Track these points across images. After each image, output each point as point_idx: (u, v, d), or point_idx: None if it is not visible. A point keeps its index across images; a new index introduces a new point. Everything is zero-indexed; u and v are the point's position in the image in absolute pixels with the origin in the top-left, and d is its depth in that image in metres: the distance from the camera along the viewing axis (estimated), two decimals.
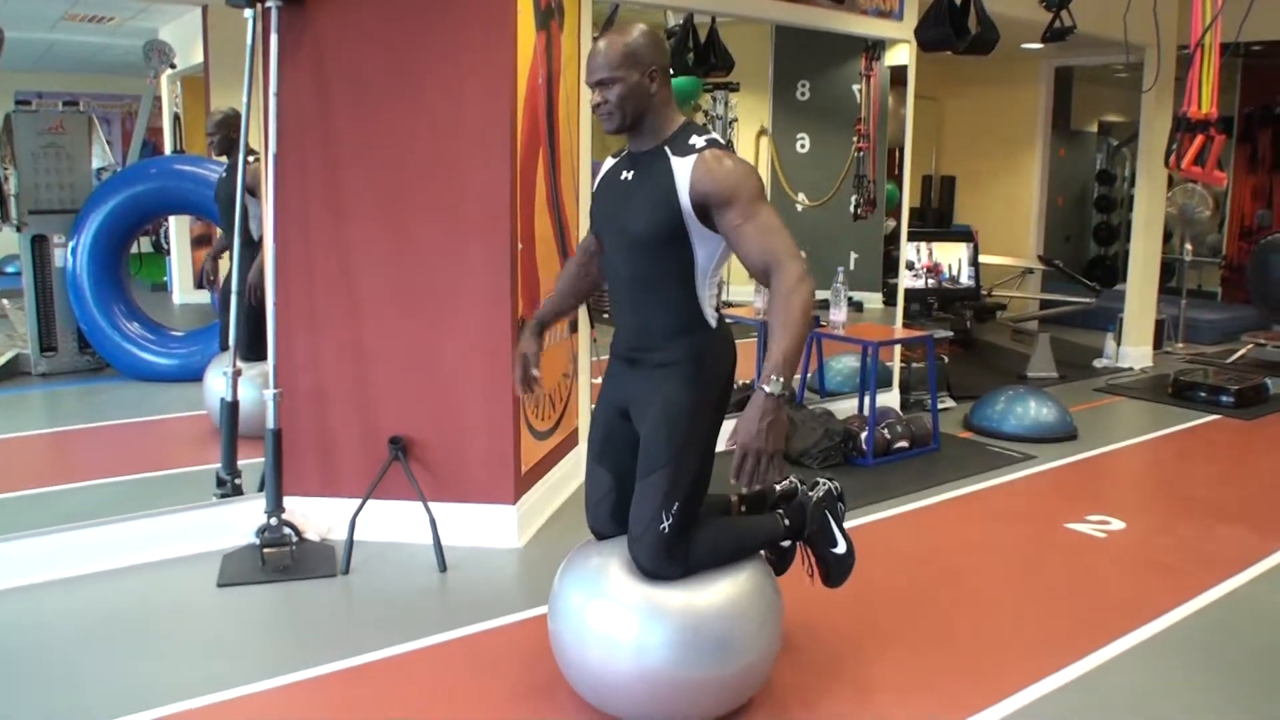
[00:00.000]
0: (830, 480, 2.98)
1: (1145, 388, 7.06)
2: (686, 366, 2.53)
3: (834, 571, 2.94)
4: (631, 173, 2.54)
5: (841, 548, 2.91)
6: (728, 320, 2.64)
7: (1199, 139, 4.69)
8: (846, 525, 2.99)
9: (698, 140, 2.44)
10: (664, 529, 2.49)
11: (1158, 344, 8.23)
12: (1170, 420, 6.20)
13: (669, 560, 2.52)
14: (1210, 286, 10.19)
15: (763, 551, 2.84)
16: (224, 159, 5.04)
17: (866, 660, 3.06)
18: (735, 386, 2.54)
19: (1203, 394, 6.58)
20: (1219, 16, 4.53)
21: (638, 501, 2.55)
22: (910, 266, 6.44)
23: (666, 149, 2.46)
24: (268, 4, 3.62)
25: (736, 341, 2.66)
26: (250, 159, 4.01)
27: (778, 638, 2.72)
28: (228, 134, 4.79)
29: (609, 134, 2.57)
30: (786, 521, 2.84)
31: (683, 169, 2.40)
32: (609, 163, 2.68)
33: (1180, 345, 8.54)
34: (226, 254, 4.71)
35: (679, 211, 2.41)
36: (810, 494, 2.91)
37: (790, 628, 2.89)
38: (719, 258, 2.51)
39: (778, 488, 2.94)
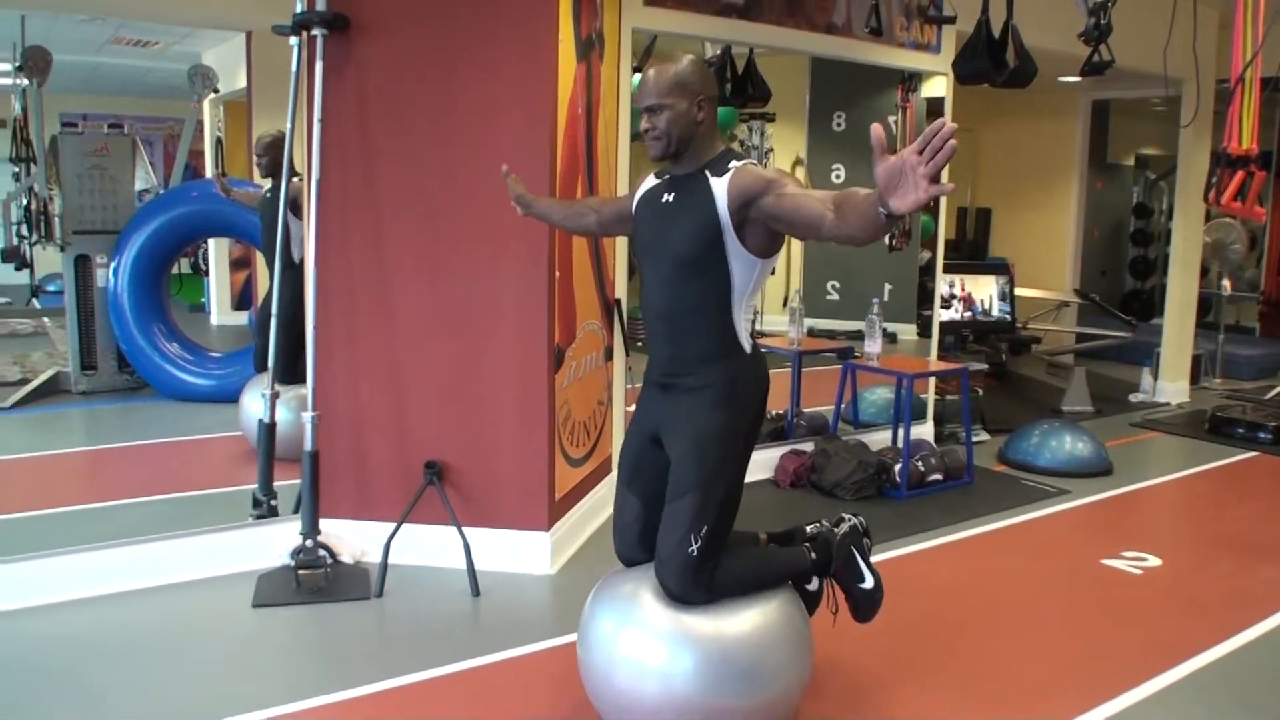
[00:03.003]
0: (855, 516, 2.97)
1: (1182, 423, 6.98)
2: (719, 391, 2.55)
3: (862, 606, 2.90)
4: (672, 194, 2.59)
5: (869, 583, 2.88)
6: (762, 350, 2.65)
7: (1239, 175, 4.66)
8: (880, 557, 2.97)
9: (735, 162, 2.50)
10: (692, 552, 2.50)
11: (1195, 379, 8.14)
12: (1207, 456, 6.12)
13: (695, 585, 2.53)
14: (1248, 322, 10.05)
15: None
16: (269, 181, 5.11)
17: (897, 695, 3.03)
18: (769, 416, 2.52)
19: (1240, 430, 6.51)
20: (1260, 51, 4.50)
21: (666, 525, 2.56)
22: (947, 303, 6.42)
23: (706, 171, 2.51)
24: (313, 32, 3.67)
25: (770, 371, 2.66)
26: (295, 179, 4.06)
27: (807, 670, 2.70)
28: (276, 156, 4.84)
29: (654, 160, 2.61)
30: (813, 555, 2.83)
31: (720, 185, 2.47)
32: (650, 181, 2.71)
33: (1218, 380, 8.45)
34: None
35: (718, 227, 2.46)
36: (835, 530, 2.90)
37: (820, 661, 2.87)
38: (755, 281, 2.53)
39: (807, 529, 2.93)
